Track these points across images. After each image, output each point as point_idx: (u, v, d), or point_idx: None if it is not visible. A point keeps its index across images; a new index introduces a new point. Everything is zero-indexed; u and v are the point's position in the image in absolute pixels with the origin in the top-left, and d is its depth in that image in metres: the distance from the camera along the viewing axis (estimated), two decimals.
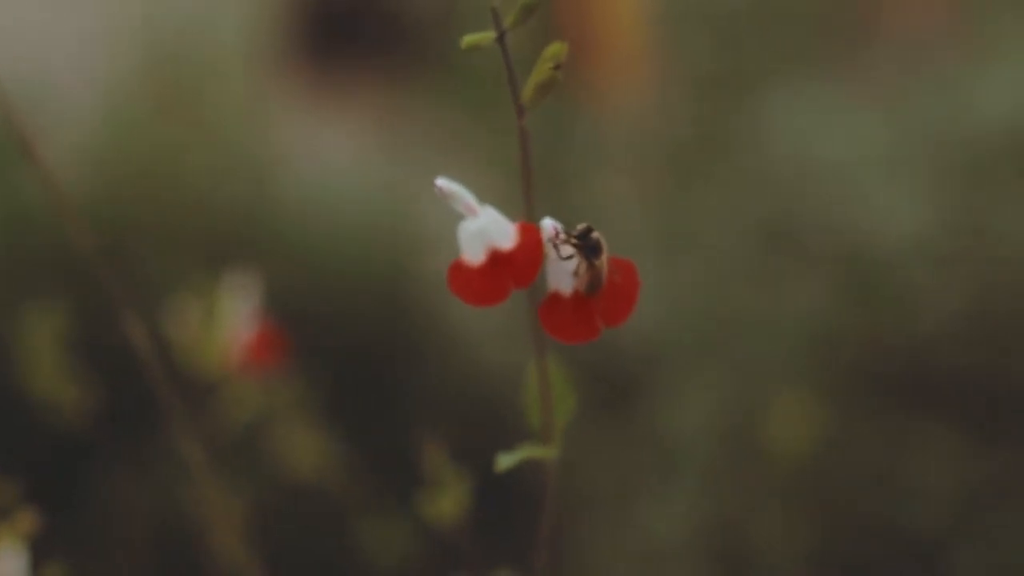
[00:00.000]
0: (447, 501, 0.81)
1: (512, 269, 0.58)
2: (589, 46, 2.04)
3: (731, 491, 1.42)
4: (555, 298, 0.60)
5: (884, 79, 1.94)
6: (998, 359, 1.51)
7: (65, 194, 0.85)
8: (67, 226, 0.84)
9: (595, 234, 0.60)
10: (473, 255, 0.59)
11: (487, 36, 0.57)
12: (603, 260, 0.60)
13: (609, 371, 1.53)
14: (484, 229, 0.59)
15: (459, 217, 0.60)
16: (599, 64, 2.04)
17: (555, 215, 0.61)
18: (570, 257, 0.60)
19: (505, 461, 0.65)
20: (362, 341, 1.57)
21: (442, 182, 0.59)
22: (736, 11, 1.95)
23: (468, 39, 0.57)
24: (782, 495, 1.38)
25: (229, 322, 0.96)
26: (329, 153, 1.92)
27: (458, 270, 0.59)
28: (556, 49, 0.58)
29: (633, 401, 1.52)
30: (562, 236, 0.60)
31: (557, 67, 0.58)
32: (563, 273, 0.60)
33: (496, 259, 0.59)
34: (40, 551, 0.77)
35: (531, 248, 0.59)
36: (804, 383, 1.43)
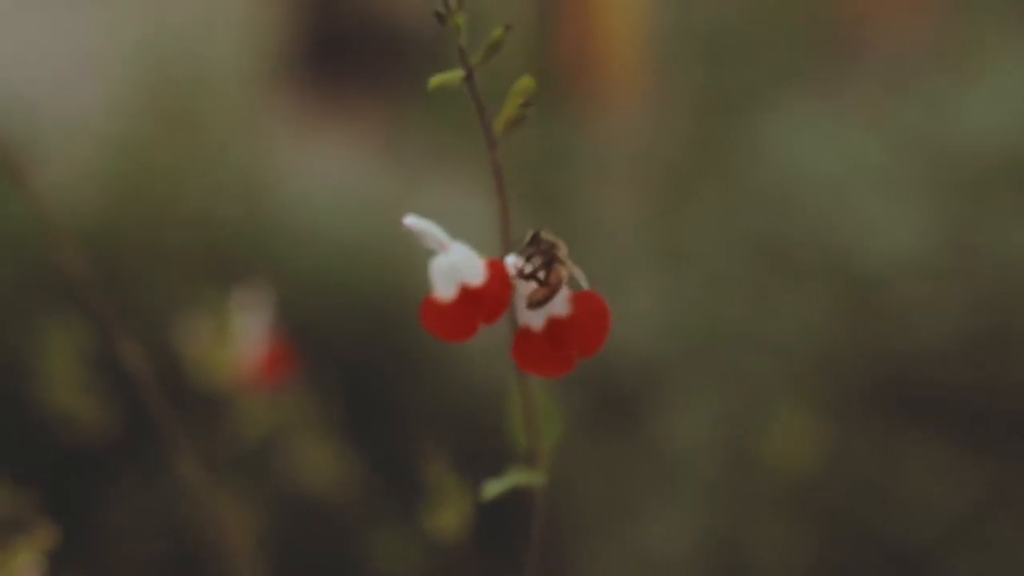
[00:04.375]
0: (449, 514, 0.82)
1: (481, 305, 0.59)
2: (587, 64, 2.05)
3: (731, 505, 1.43)
4: (526, 332, 0.61)
5: (874, 96, 1.96)
6: (993, 373, 1.52)
7: (56, 221, 0.85)
8: (58, 251, 0.84)
9: (543, 234, 0.60)
10: (444, 291, 0.60)
11: (455, 75, 0.57)
12: (560, 262, 0.59)
13: (607, 387, 1.54)
14: (454, 265, 0.60)
15: (431, 252, 0.61)
16: (597, 82, 2.06)
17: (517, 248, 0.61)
18: (534, 275, 0.59)
19: (492, 488, 0.66)
20: (368, 355, 1.58)
21: (411, 220, 0.60)
22: (728, 30, 1.96)
23: (435, 80, 0.58)
24: (781, 508, 1.39)
25: (240, 337, 0.97)
26: (329, 170, 1.93)
27: (430, 305, 0.60)
28: (525, 84, 0.59)
29: (632, 416, 1.53)
30: (520, 261, 0.60)
31: (526, 104, 0.58)
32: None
33: (466, 295, 0.59)
34: (53, 565, 0.77)
35: (499, 284, 0.59)
36: (801, 398, 1.44)
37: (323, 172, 1.91)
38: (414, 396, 1.57)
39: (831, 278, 1.60)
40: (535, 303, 0.60)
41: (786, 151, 1.72)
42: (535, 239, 0.60)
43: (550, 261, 0.59)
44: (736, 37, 1.95)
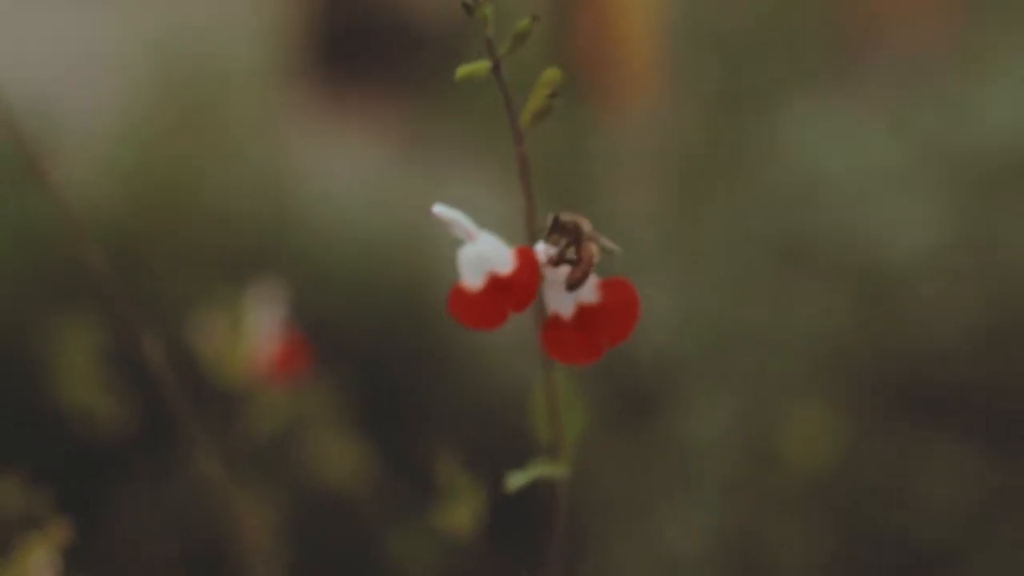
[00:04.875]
0: (462, 512, 0.81)
1: (510, 293, 0.59)
2: (605, 62, 2.05)
3: (747, 503, 1.43)
4: (555, 320, 0.61)
5: (890, 95, 1.96)
6: (1010, 371, 1.51)
7: (75, 215, 0.85)
8: (78, 246, 0.84)
9: (563, 216, 0.60)
10: (472, 280, 0.60)
11: (482, 66, 0.57)
12: (588, 241, 0.59)
13: (626, 383, 1.54)
14: (482, 254, 0.59)
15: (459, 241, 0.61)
16: (613, 79, 2.06)
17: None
18: (564, 261, 0.59)
19: (515, 480, 0.65)
20: (385, 351, 1.58)
21: (439, 209, 0.60)
22: (744, 28, 1.96)
23: (462, 70, 0.58)
24: (797, 506, 1.39)
25: (255, 333, 0.97)
26: (345, 166, 1.93)
27: (458, 295, 0.60)
28: (552, 75, 0.59)
29: (650, 413, 1.53)
30: (549, 247, 0.60)
31: (553, 95, 0.58)
32: (562, 295, 0.61)
33: (495, 284, 0.59)
34: (68, 563, 0.77)
35: (528, 272, 0.59)
36: (817, 396, 1.44)
37: (339, 168, 1.91)
38: (431, 392, 1.57)
39: (847, 276, 1.60)
40: (575, 283, 0.59)
41: (801, 150, 1.72)
42: (557, 223, 0.60)
43: (577, 239, 0.59)
44: (752, 35, 1.95)
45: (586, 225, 0.60)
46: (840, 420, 1.33)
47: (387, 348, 1.59)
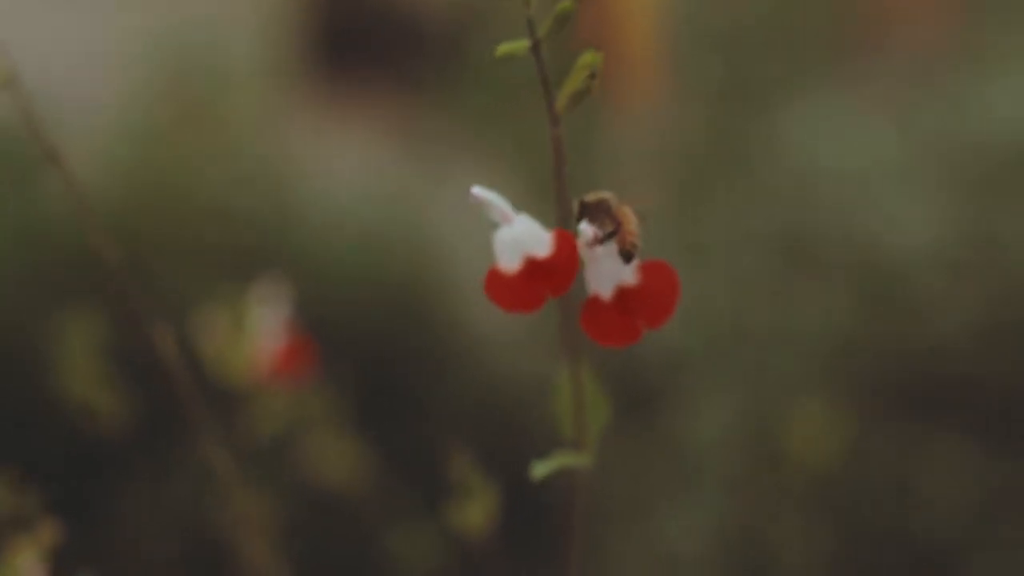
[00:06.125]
0: (475, 510, 0.81)
1: (549, 276, 0.58)
2: (608, 59, 2.05)
3: (749, 501, 1.43)
4: (595, 301, 0.60)
5: (894, 91, 1.96)
6: (1012, 370, 1.51)
7: (89, 204, 0.85)
8: (91, 236, 0.84)
9: (587, 198, 0.60)
10: (509, 263, 0.59)
11: (522, 45, 0.57)
12: (619, 216, 0.60)
13: (630, 381, 1.54)
14: (519, 237, 0.59)
15: (488, 226, 0.60)
16: (618, 78, 2.05)
17: (571, 225, 0.61)
18: (606, 236, 0.60)
19: (540, 469, 0.65)
20: (387, 350, 1.58)
21: (477, 190, 0.59)
22: (748, 24, 1.96)
23: (502, 48, 0.57)
24: (799, 505, 1.39)
25: (257, 332, 0.97)
26: (347, 162, 1.93)
27: (495, 277, 0.59)
28: (591, 58, 0.58)
29: (654, 411, 1.53)
30: (592, 227, 0.60)
31: (592, 76, 0.58)
32: (602, 276, 0.60)
33: (532, 267, 0.59)
34: (68, 563, 0.77)
35: (567, 255, 0.58)
36: (821, 393, 1.44)
37: (340, 165, 1.91)
38: (431, 391, 1.57)
39: (851, 272, 1.60)
40: (629, 250, 0.59)
41: (803, 147, 1.72)
42: (584, 205, 0.60)
43: (608, 211, 0.60)
44: (754, 33, 1.95)
45: (612, 197, 0.60)
46: (842, 418, 1.33)
47: (388, 346, 1.59)
